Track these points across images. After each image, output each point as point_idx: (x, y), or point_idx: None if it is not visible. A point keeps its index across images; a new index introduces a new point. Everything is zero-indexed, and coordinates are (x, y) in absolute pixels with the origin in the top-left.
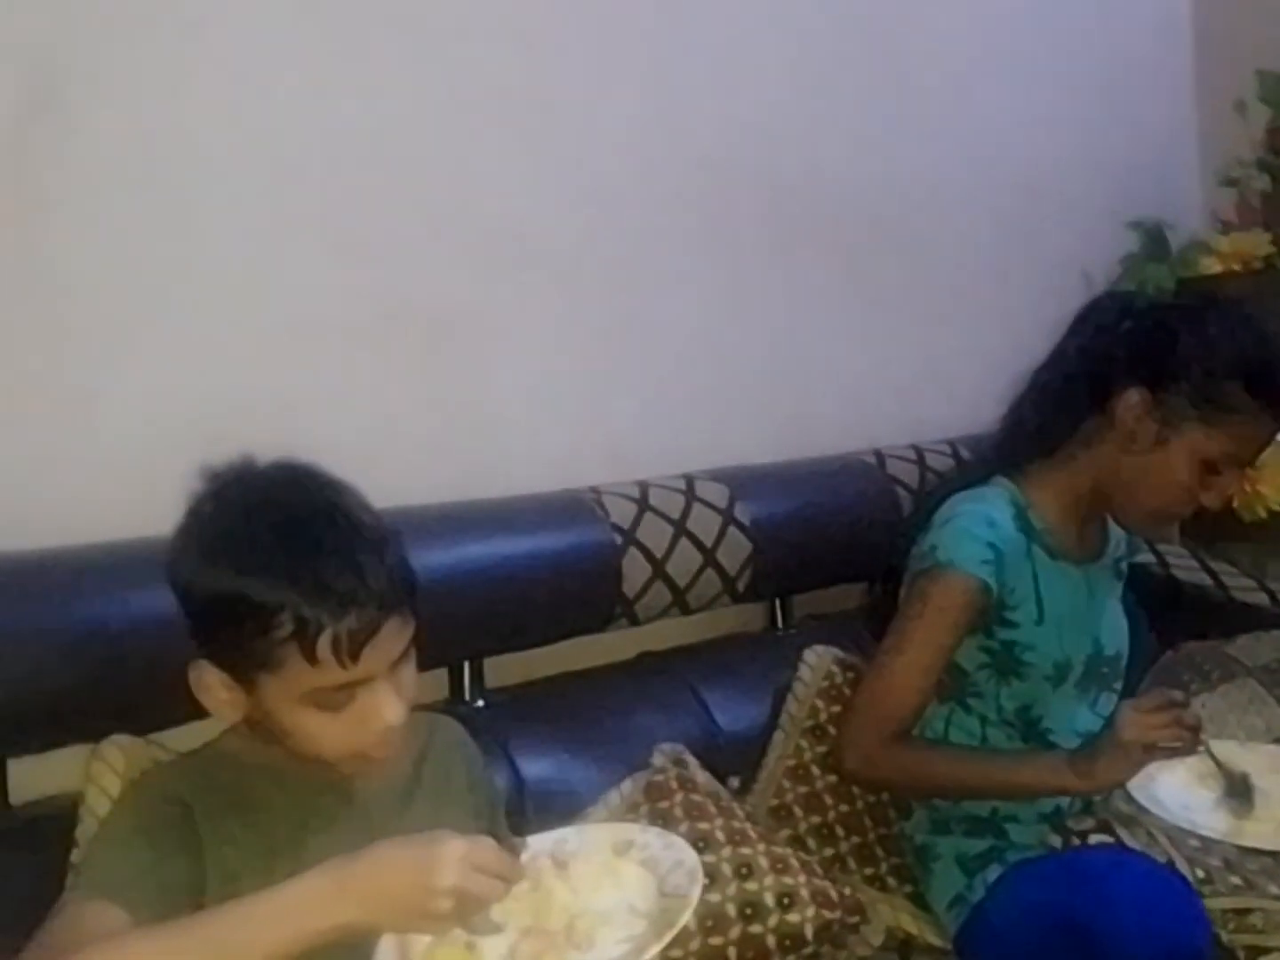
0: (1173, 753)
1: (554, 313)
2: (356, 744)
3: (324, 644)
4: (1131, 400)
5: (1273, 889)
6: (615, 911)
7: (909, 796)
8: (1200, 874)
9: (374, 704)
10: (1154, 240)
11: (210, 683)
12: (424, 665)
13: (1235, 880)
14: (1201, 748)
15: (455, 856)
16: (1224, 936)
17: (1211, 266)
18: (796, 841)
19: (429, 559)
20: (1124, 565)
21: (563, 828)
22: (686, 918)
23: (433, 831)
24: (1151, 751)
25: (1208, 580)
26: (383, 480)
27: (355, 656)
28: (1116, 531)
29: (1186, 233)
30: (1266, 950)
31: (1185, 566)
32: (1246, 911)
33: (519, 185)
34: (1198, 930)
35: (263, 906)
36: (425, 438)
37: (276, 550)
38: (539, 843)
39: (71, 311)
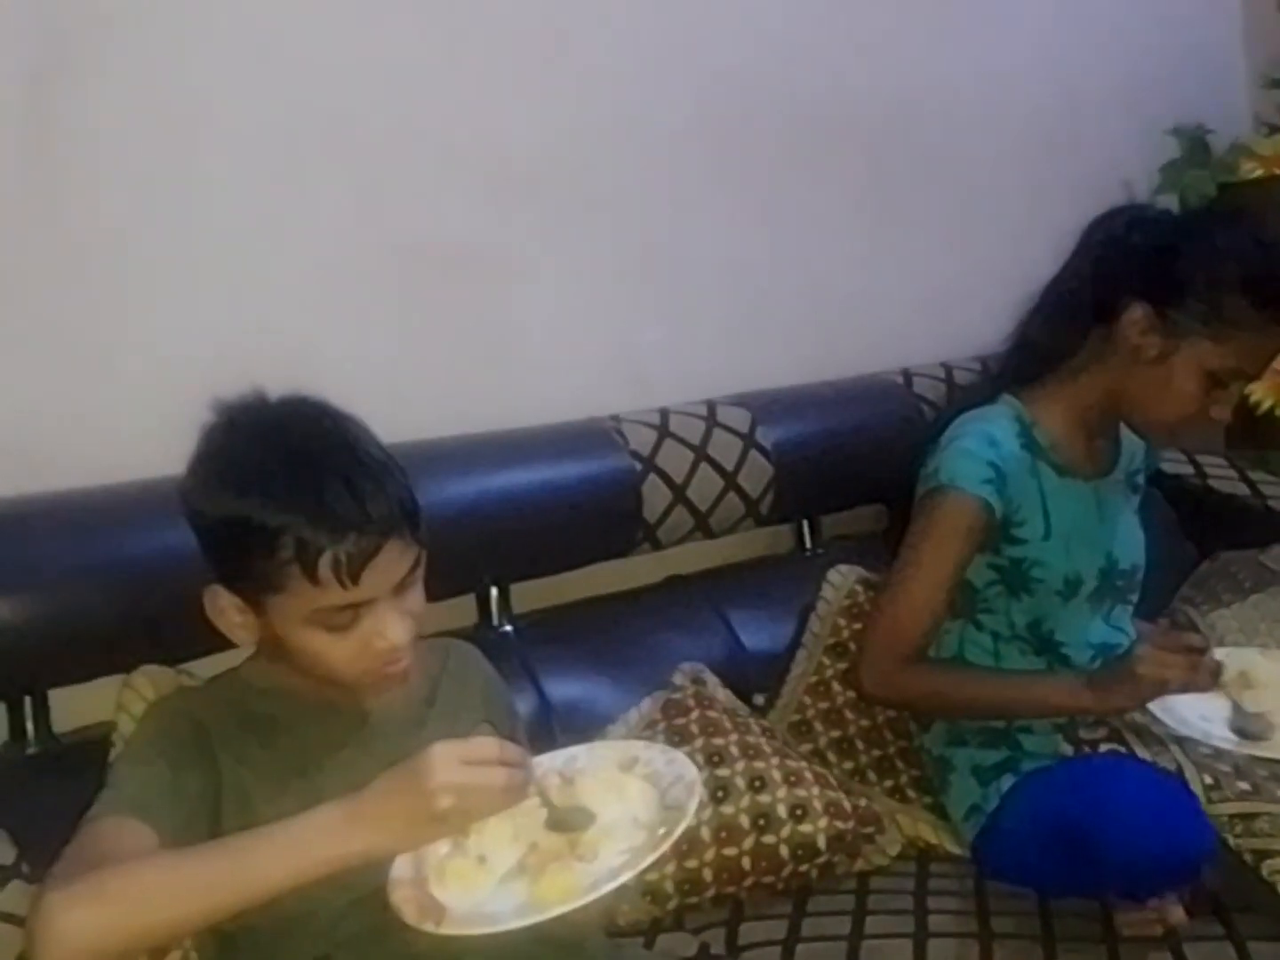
0: (1187, 690)
1: (574, 242)
2: (364, 664)
3: (325, 565)
4: (1135, 316)
5: (1269, 796)
6: (619, 824)
7: (927, 715)
8: (1209, 780)
9: (378, 625)
10: (1195, 146)
11: (223, 606)
12: (451, 592)
13: (1244, 786)
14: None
15: (443, 755)
16: (1231, 841)
17: (1253, 171)
18: (817, 756)
19: (454, 489)
20: (1140, 478)
21: (573, 746)
22: (683, 828)
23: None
24: (1165, 688)
25: (1245, 490)
26: (406, 414)
27: (355, 578)
28: (1132, 444)
29: (1229, 137)
30: (1273, 853)
31: (1223, 476)
32: (1254, 816)
33: (535, 116)
34: (1198, 836)
35: (278, 837)
36: (447, 371)
37: (281, 476)
38: (549, 760)
39: (92, 260)
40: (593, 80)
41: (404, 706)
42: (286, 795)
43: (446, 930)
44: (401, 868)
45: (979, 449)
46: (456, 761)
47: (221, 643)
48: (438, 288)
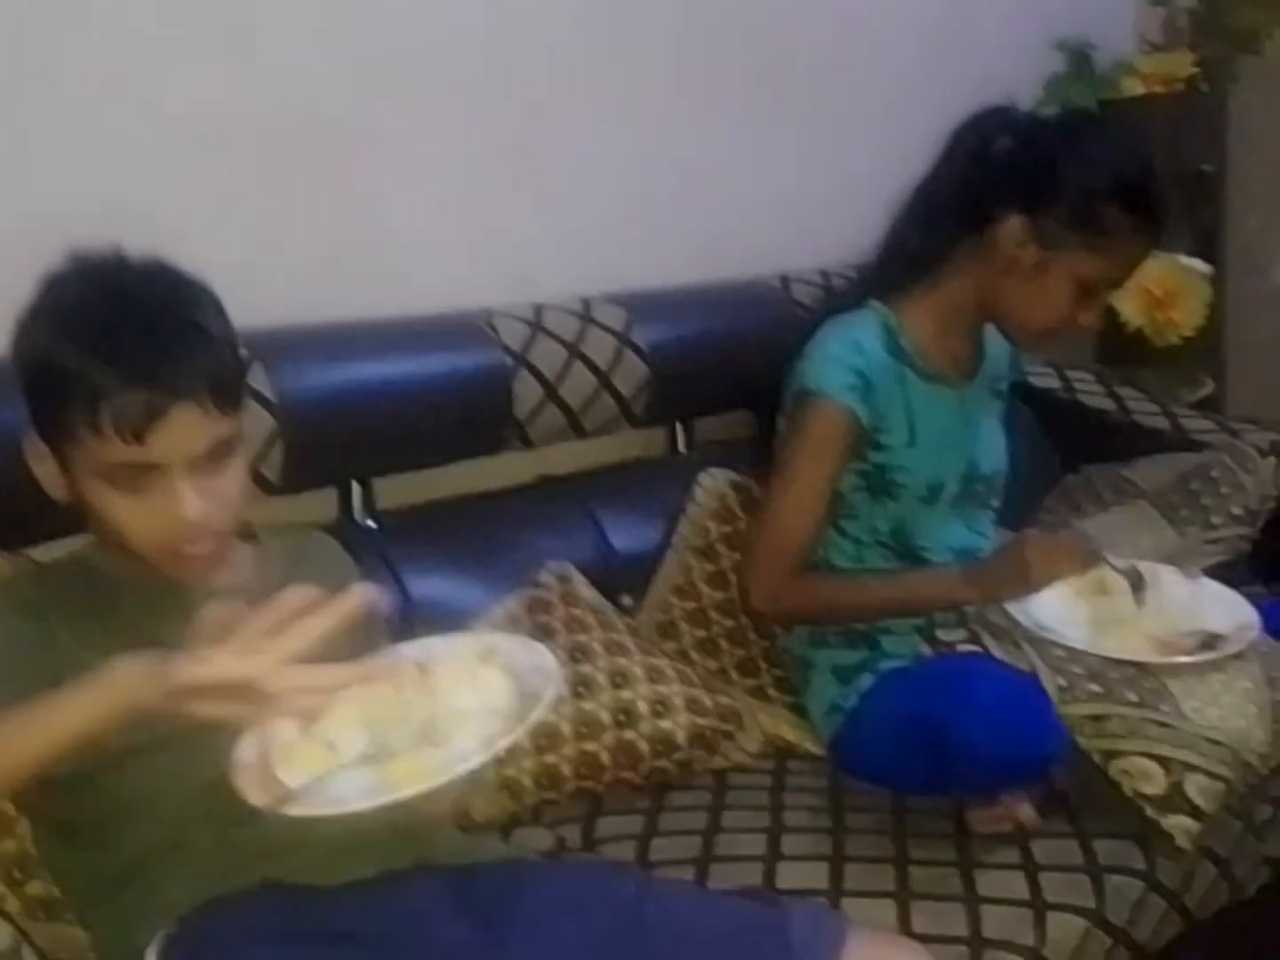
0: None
1: (453, 130)
2: (156, 535)
3: (106, 414)
4: (1012, 227)
5: (1130, 696)
6: (474, 712)
7: (819, 624)
8: (1062, 682)
9: (170, 494)
10: (1079, 61)
11: (35, 456)
12: (312, 484)
13: (1095, 688)
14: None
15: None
16: (1081, 741)
17: (1133, 88)
18: (681, 655)
19: (317, 378)
20: (1003, 385)
21: (430, 637)
22: (539, 714)
23: None
24: (1056, 574)
25: (1111, 404)
26: (270, 296)
27: (139, 435)
28: (996, 351)
29: (1113, 54)
30: (1121, 754)
31: (1090, 391)
32: (1104, 718)
33: None
34: (1050, 736)
35: (62, 693)
36: (315, 254)
37: (92, 322)
38: (406, 651)
39: None
40: None
41: (253, 592)
42: None
43: (292, 811)
44: (245, 751)
45: (845, 355)
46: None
47: (66, 529)
48: (308, 166)
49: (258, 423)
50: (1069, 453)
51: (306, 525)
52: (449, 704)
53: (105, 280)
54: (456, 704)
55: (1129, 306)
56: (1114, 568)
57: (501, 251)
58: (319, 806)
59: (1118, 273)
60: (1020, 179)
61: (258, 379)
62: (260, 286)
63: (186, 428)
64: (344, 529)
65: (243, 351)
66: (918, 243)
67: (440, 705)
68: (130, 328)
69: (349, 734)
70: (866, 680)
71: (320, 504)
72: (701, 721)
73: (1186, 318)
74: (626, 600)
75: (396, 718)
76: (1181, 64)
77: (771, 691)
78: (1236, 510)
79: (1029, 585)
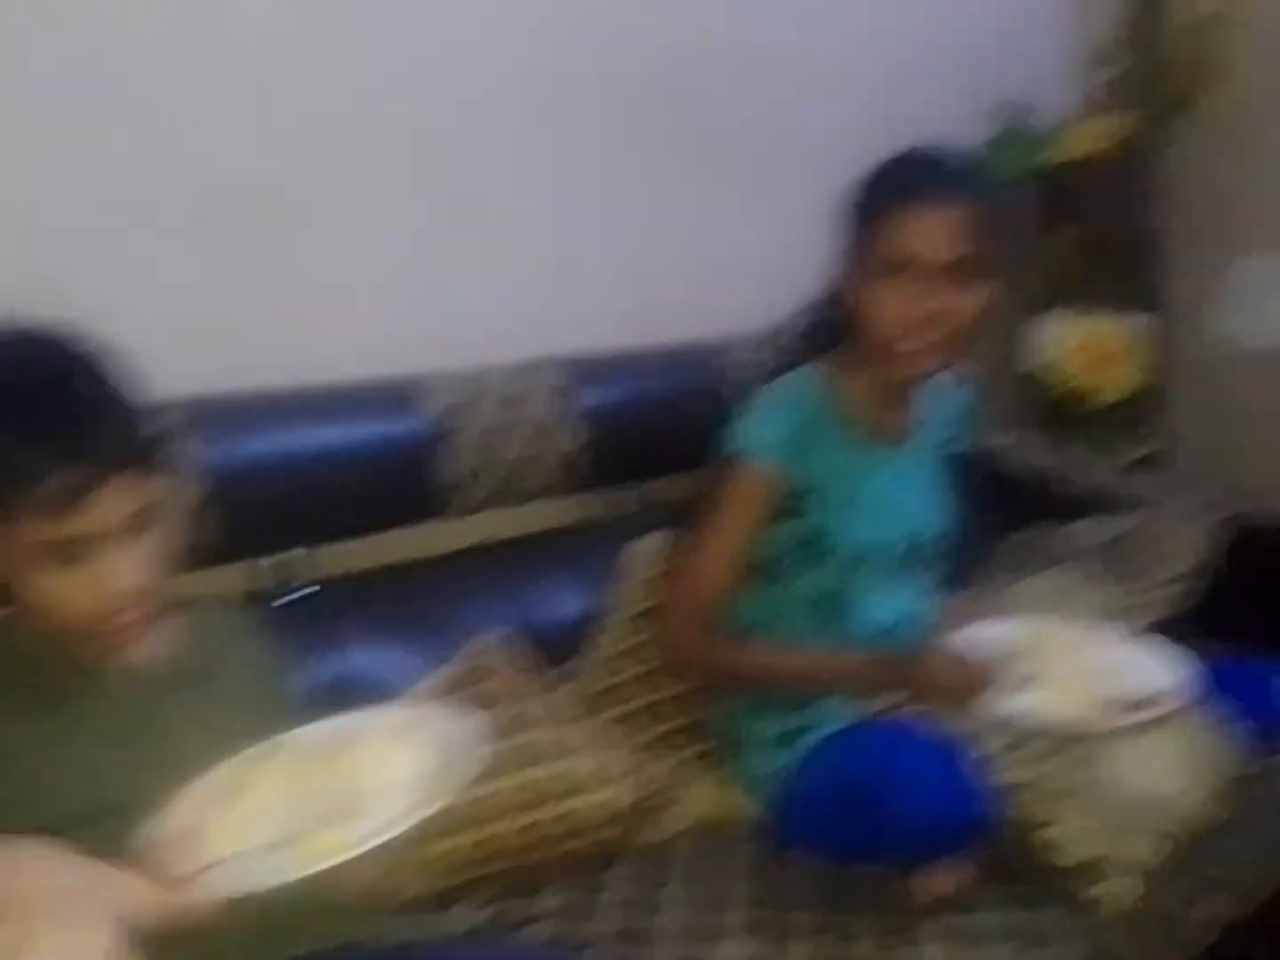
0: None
1: (384, 193)
2: (90, 607)
3: (38, 494)
4: (839, 269)
5: (1063, 760)
6: (397, 784)
7: (727, 684)
8: (995, 748)
9: (102, 565)
10: (1015, 124)
11: None
12: (238, 555)
13: (1027, 753)
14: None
15: None
16: (1014, 807)
17: (1070, 151)
18: (619, 723)
19: (247, 447)
20: (950, 449)
21: (354, 711)
22: (460, 785)
23: None
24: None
25: (1048, 466)
26: (198, 365)
27: (72, 510)
28: (942, 414)
29: (1051, 117)
30: (1054, 820)
31: (1028, 453)
32: (1035, 783)
33: (347, 59)
34: (980, 802)
35: None
36: (245, 321)
37: (13, 405)
38: (331, 724)
39: None
40: (411, 21)
41: (165, 667)
42: (49, 750)
43: (206, 891)
44: (160, 829)
45: (773, 418)
46: None
47: None
48: (235, 232)
49: (184, 493)
50: (1007, 514)
51: (225, 599)
52: (372, 777)
53: (17, 359)
54: (380, 777)
55: (1069, 367)
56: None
57: (435, 316)
58: (233, 885)
59: (902, 248)
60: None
61: (183, 449)
62: (188, 355)
63: (118, 496)
64: (270, 601)
65: (168, 420)
66: (835, 304)
67: (363, 779)
68: (53, 406)
69: (267, 810)
70: (801, 748)
71: (248, 575)
72: (640, 792)
73: (1127, 377)
74: (564, 668)
75: (318, 793)
76: (1119, 126)
77: (709, 760)
78: (1172, 570)
79: (929, 704)
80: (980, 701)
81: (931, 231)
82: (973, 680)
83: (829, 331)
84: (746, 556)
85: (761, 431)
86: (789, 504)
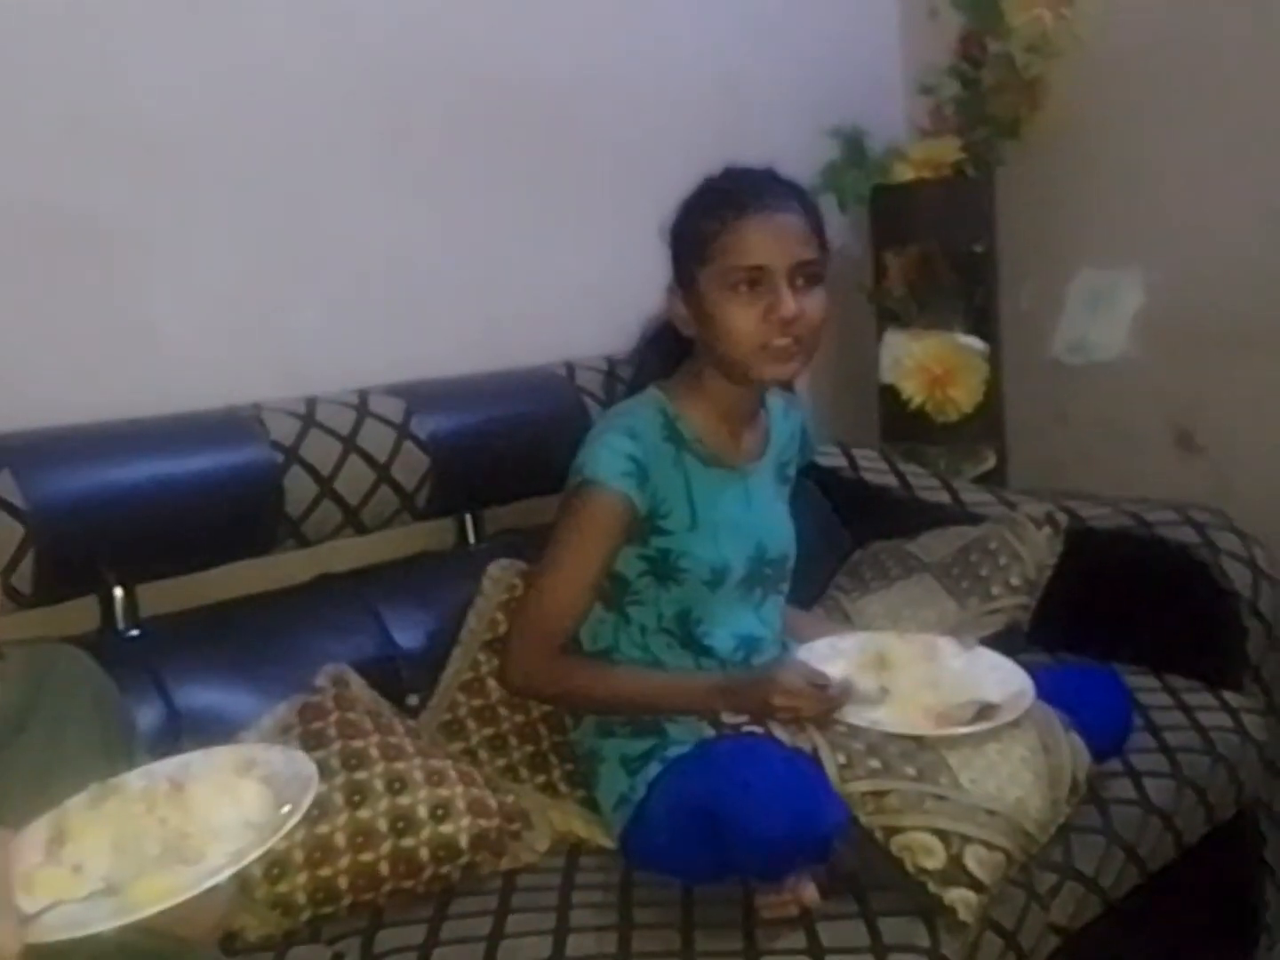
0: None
1: (217, 216)
2: None
3: None
4: (670, 296)
5: (909, 770)
6: (229, 827)
7: (571, 710)
8: (842, 760)
9: None
10: (852, 148)
11: None
12: (69, 594)
13: (875, 764)
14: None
15: None
16: (862, 819)
17: (905, 173)
18: (468, 754)
19: (73, 481)
20: (791, 469)
21: (189, 753)
22: (292, 824)
23: None
24: (796, 716)
25: (895, 481)
26: (21, 399)
27: None
28: (782, 435)
29: (885, 140)
30: (901, 829)
31: (875, 469)
32: (885, 793)
33: (176, 76)
34: (828, 814)
35: None
36: (71, 353)
37: None
38: (161, 768)
39: None
40: (244, 43)
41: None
42: None
43: (31, 939)
44: None
45: (619, 443)
46: None
47: None
48: (57, 261)
49: (7, 531)
50: (856, 529)
51: (55, 639)
52: (204, 820)
53: None
54: (211, 819)
55: (910, 385)
56: (853, 724)
57: (272, 344)
58: (61, 931)
59: (743, 259)
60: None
61: (5, 485)
62: (9, 389)
63: None
64: (106, 639)
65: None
66: (670, 327)
67: (195, 822)
68: None
69: (96, 856)
70: (654, 769)
71: (80, 614)
72: (485, 823)
73: (966, 394)
74: (413, 700)
75: (148, 837)
76: (949, 149)
77: (563, 787)
78: (1015, 581)
79: (769, 714)
80: (827, 714)
81: (776, 239)
82: (820, 693)
83: (667, 356)
84: (597, 585)
85: (609, 458)
86: (636, 528)
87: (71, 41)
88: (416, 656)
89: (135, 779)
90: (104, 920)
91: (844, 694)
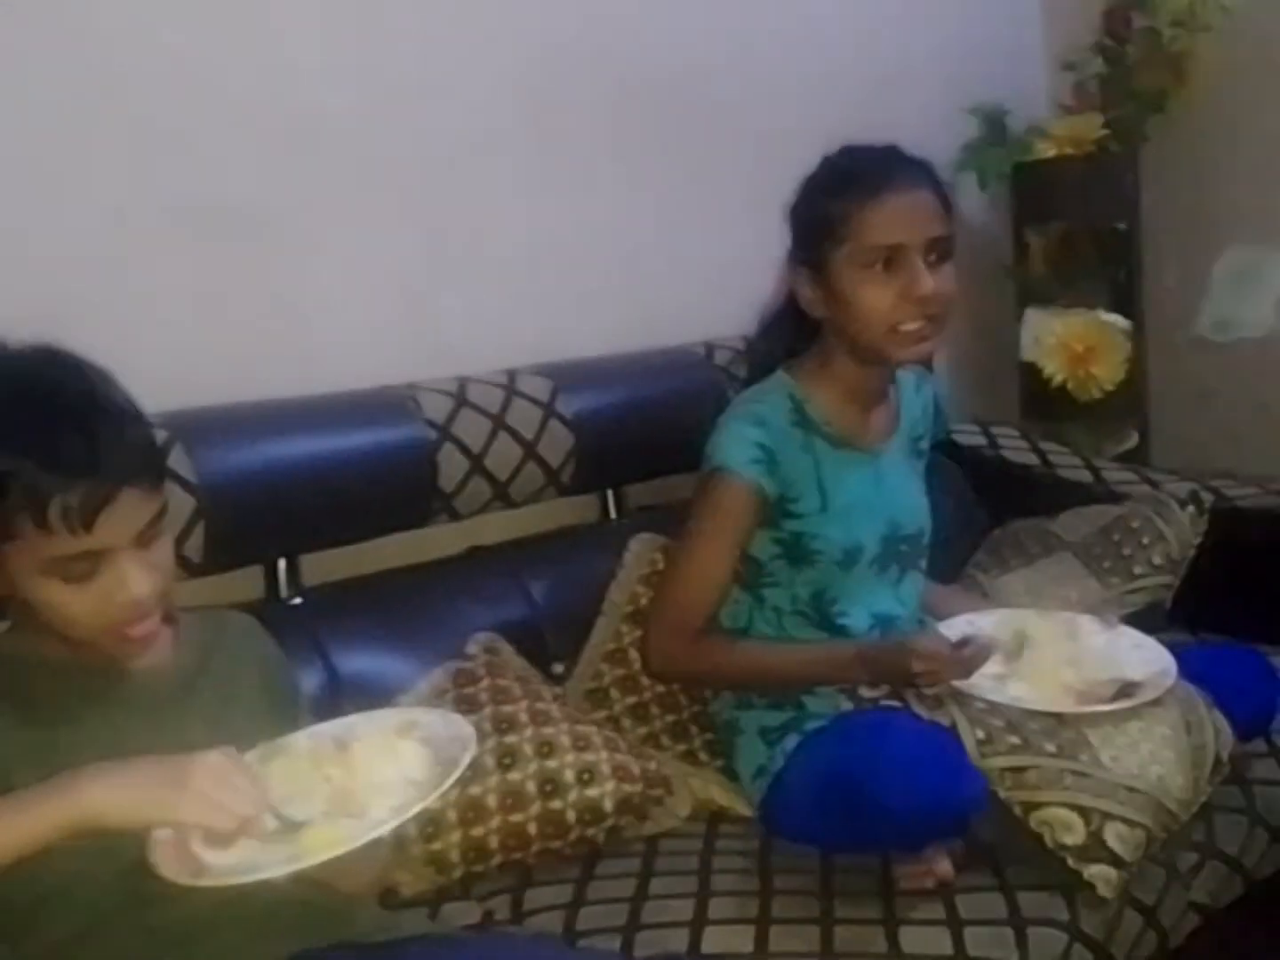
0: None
1: (373, 204)
2: (106, 619)
3: (54, 511)
4: (797, 282)
5: (1049, 746)
6: (391, 784)
7: (714, 689)
8: (981, 735)
9: (117, 576)
10: (994, 125)
11: None
12: (236, 563)
13: (1014, 740)
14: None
15: (214, 766)
16: (1001, 793)
17: (1047, 151)
18: (612, 722)
19: (242, 457)
20: (924, 444)
21: (352, 715)
22: (452, 781)
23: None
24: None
25: (1035, 460)
26: (195, 380)
27: (87, 525)
28: (913, 410)
29: (1026, 118)
30: (1041, 805)
31: (1015, 447)
32: (1023, 769)
33: (336, 74)
34: (968, 789)
35: (19, 801)
36: (239, 336)
37: (14, 420)
38: (326, 729)
39: None
40: (398, 38)
41: (170, 672)
42: (50, 767)
43: (205, 882)
44: (164, 830)
45: (747, 431)
46: (221, 779)
47: None
48: (229, 250)
49: (180, 504)
50: (995, 508)
51: (225, 606)
52: (366, 777)
53: (9, 376)
54: (374, 777)
55: (1052, 363)
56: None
57: (425, 325)
58: (233, 876)
59: (883, 237)
60: (791, 236)
61: (179, 460)
62: (185, 371)
63: (131, 510)
64: (270, 607)
65: (163, 432)
66: (794, 309)
67: (358, 779)
68: (61, 423)
69: (279, 800)
70: (791, 741)
71: (245, 583)
72: (629, 788)
73: (1107, 372)
74: (557, 668)
75: (315, 793)
76: (1092, 126)
77: (702, 756)
78: (1158, 559)
79: (909, 685)
80: (968, 675)
81: (911, 217)
82: (958, 654)
83: (790, 339)
84: (731, 570)
85: (736, 446)
86: (769, 512)
87: (240, 39)
88: (561, 626)
89: (302, 739)
90: (277, 866)
91: (983, 652)
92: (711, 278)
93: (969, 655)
